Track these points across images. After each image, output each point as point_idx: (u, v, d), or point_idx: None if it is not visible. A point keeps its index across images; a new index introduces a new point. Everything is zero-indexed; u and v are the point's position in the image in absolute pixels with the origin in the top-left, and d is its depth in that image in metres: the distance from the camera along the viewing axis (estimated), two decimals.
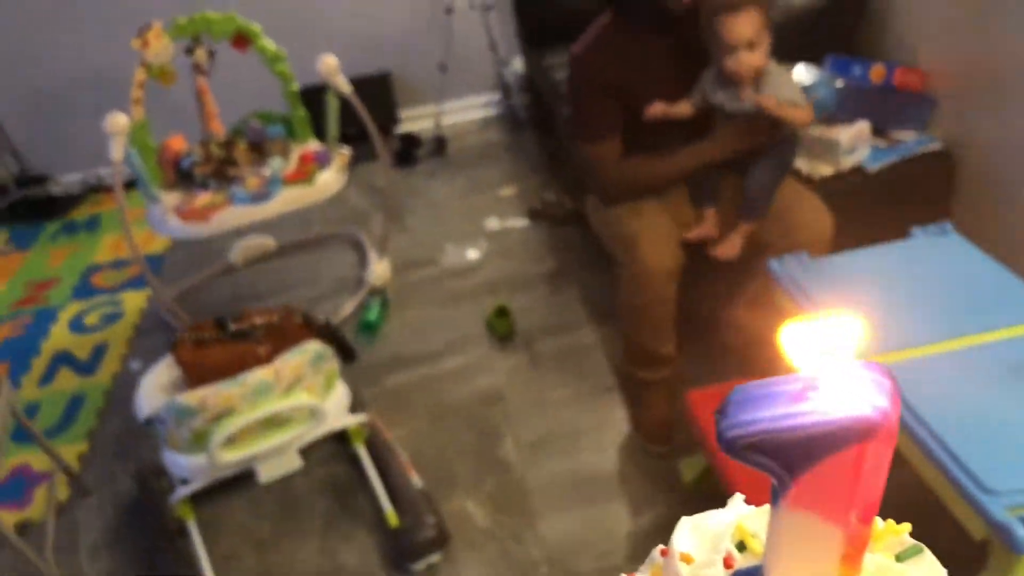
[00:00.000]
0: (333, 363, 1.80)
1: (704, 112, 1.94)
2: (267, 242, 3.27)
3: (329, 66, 2.58)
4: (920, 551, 0.37)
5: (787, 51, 2.00)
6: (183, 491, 1.72)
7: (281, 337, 1.83)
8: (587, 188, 2.22)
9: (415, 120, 4.29)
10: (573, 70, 2.04)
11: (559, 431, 2.24)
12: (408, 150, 4.04)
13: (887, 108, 2.29)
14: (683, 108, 1.94)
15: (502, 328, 2.65)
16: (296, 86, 2.79)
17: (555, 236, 3.21)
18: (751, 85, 1.85)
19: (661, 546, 0.40)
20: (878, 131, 2.29)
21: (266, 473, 1.71)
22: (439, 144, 3.98)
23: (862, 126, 2.21)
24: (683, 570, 0.38)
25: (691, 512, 0.41)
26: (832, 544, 0.33)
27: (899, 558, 0.37)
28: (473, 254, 3.14)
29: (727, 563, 0.38)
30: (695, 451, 2.07)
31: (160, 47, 2.56)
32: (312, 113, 2.86)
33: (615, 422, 2.25)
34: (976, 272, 1.68)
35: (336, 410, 1.76)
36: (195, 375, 1.72)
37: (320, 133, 2.85)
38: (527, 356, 2.56)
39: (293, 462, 1.75)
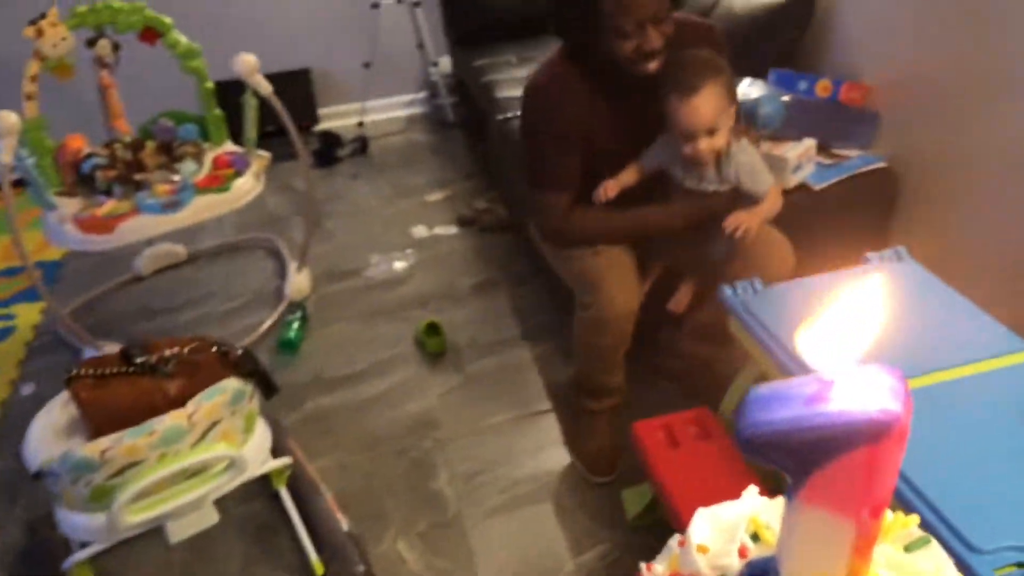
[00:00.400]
0: (254, 402, 1.63)
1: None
2: (177, 250, 3.05)
3: (248, 64, 2.38)
4: (927, 542, 0.39)
5: (730, 65, 1.92)
6: (79, 555, 1.52)
7: (194, 371, 1.65)
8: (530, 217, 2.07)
9: (336, 118, 4.10)
10: (532, 112, 1.84)
11: (496, 461, 2.12)
12: (328, 149, 3.86)
13: (833, 124, 2.24)
14: (630, 177, 1.82)
15: (433, 346, 2.51)
16: (211, 84, 2.58)
17: (486, 245, 3.08)
18: (712, 164, 1.74)
19: (679, 536, 0.42)
20: (822, 147, 2.24)
21: (177, 533, 1.53)
22: (362, 144, 3.80)
23: (809, 143, 2.16)
24: (699, 560, 0.39)
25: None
26: (844, 538, 0.34)
27: (908, 549, 0.39)
28: (400, 264, 2.99)
29: (742, 553, 0.39)
30: (638, 481, 1.99)
31: (56, 37, 2.32)
32: (226, 111, 2.65)
33: (554, 450, 2.14)
34: (938, 302, 1.63)
35: (257, 455, 1.60)
36: (96, 417, 1.53)
37: (236, 134, 2.65)
38: (460, 377, 2.43)
39: (208, 517, 1.58)
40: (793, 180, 2.18)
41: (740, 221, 1.73)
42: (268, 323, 2.67)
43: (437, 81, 3.75)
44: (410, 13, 3.54)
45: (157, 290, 2.93)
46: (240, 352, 1.71)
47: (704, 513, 0.42)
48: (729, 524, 0.41)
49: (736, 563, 0.39)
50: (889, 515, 0.39)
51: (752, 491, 0.42)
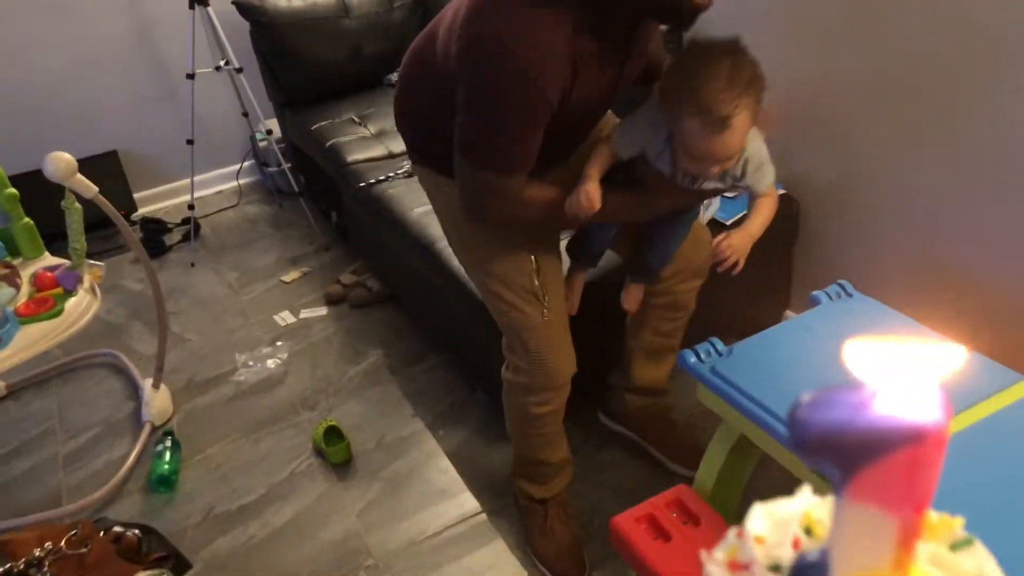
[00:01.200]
0: None
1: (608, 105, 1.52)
2: None
3: (65, 165, 1.98)
4: (971, 543, 0.41)
5: None
6: None
7: (82, 570, 1.28)
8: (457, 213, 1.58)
9: (156, 201, 3.66)
10: (496, 79, 1.30)
11: None
12: (154, 237, 3.41)
13: None
14: (602, 166, 1.46)
15: (336, 455, 2.19)
16: (13, 191, 2.13)
17: (365, 323, 2.79)
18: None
19: (736, 527, 0.43)
20: None
21: None
22: (193, 227, 3.38)
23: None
24: (756, 550, 0.42)
25: None
26: (888, 532, 0.37)
27: (953, 548, 0.40)
28: (272, 361, 2.64)
29: (795, 545, 0.42)
30: (612, 567, 1.80)
31: None
32: (31, 215, 2.19)
33: (512, 555, 1.89)
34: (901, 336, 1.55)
35: None
36: None
37: (49, 237, 2.22)
38: (377, 486, 2.13)
39: None
40: (706, 217, 2.09)
41: (734, 251, 1.47)
42: (132, 458, 2.24)
43: (270, 148, 3.41)
44: (232, 80, 3.18)
45: None
46: (138, 533, 1.36)
47: (761, 508, 0.44)
48: (784, 519, 0.43)
49: (790, 554, 0.42)
50: (935, 516, 0.41)
51: (806, 489, 0.44)
